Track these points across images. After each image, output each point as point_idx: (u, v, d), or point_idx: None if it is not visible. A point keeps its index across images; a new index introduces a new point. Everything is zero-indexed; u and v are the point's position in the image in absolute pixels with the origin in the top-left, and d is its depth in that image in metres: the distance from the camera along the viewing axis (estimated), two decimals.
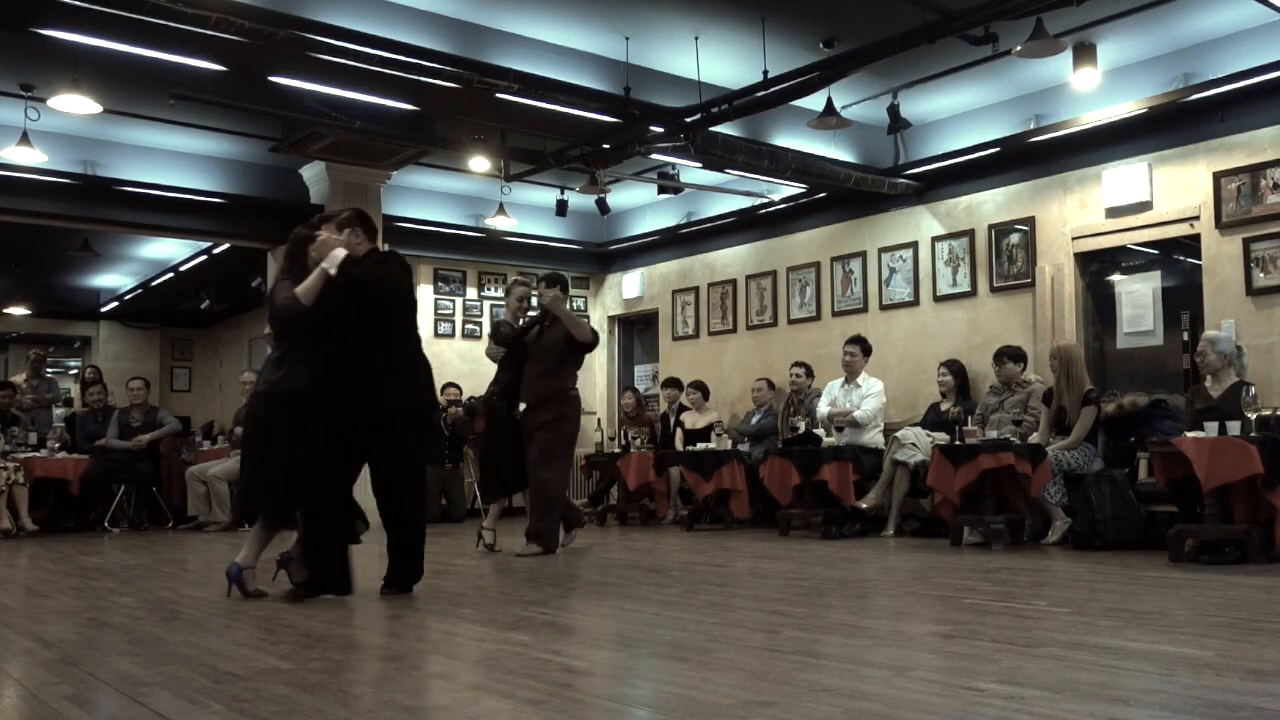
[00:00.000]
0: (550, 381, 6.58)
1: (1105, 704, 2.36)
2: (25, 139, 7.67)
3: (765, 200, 9.83)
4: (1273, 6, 6.10)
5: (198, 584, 5.37)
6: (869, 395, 8.18)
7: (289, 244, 4.90)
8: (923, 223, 8.90)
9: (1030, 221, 8.16)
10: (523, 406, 6.64)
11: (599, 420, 11.38)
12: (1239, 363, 6.18)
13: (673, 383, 10.37)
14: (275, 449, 4.43)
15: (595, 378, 11.96)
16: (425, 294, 11.19)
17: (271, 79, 6.75)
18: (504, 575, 5.55)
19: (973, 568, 5.46)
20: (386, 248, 5.91)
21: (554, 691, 2.63)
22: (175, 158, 9.18)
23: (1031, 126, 7.96)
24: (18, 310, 14.59)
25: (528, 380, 6.66)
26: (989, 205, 8.46)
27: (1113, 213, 7.68)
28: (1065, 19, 6.26)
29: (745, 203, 10.02)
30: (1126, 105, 7.34)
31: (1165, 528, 5.95)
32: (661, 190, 9.83)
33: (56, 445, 9.34)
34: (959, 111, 8.44)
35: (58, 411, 11.18)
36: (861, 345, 8.43)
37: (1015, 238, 8.24)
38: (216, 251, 11.07)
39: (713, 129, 7.63)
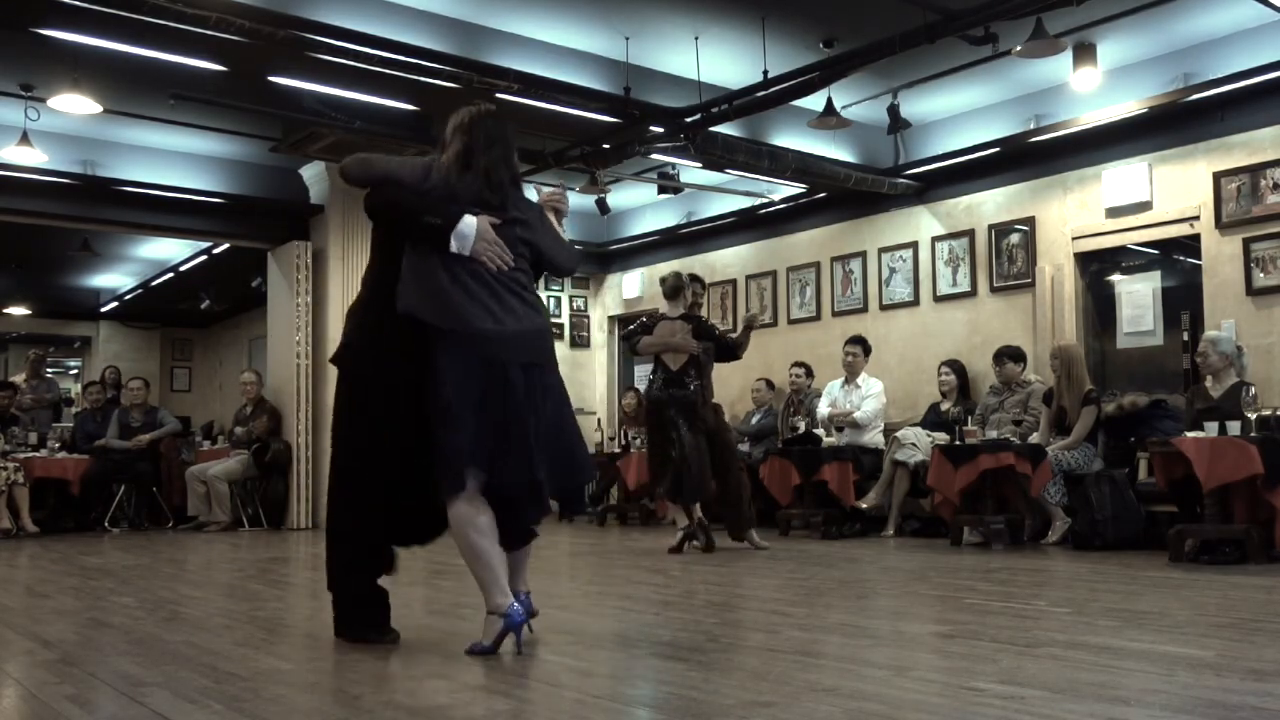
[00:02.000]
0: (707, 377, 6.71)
1: (1105, 704, 2.36)
2: (25, 139, 7.67)
3: (765, 200, 9.83)
4: (1273, 6, 6.10)
5: (198, 584, 5.37)
6: (869, 396, 8.18)
7: (494, 125, 3.39)
8: (923, 223, 8.90)
9: (1030, 221, 8.15)
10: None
11: (599, 420, 11.38)
12: (1239, 363, 6.18)
13: None
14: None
15: (595, 378, 11.97)
16: None
17: (271, 79, 6.75)
18: None
19: (973, 568, 5.45)
20: None
21: (554, 691, 2.63)
22: (175, 158, 9.18)
23: (1031, 126, 7.96)
24: (18, 310, 14.58)
25: (709, 381, 6.72)
26: (989, 205, 8.46)
27: (1113, 213, 7.68)
28: (1065, 19, 6.26)
29: (745, 203, 10.02)
30: (1126, 105, 7.34)
31: (1165, 528, 5.95)
32: (661, 190, 9.83)
33: (56, 445, 9.33)
34: (959, 111, 8.43)
35: (71, 410, 11.19)
36: (863, 345, 8.43)
37: (1015, 238, 8.24)
38: (216, 251, 11.07)
39: (713, 129, 7.63)
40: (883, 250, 9.16)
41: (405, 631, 3.73)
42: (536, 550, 7.03)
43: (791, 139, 8.42)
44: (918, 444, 7.59)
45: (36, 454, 9.13)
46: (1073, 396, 6.87)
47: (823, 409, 8.36)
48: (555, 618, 3.96)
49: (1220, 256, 7.10)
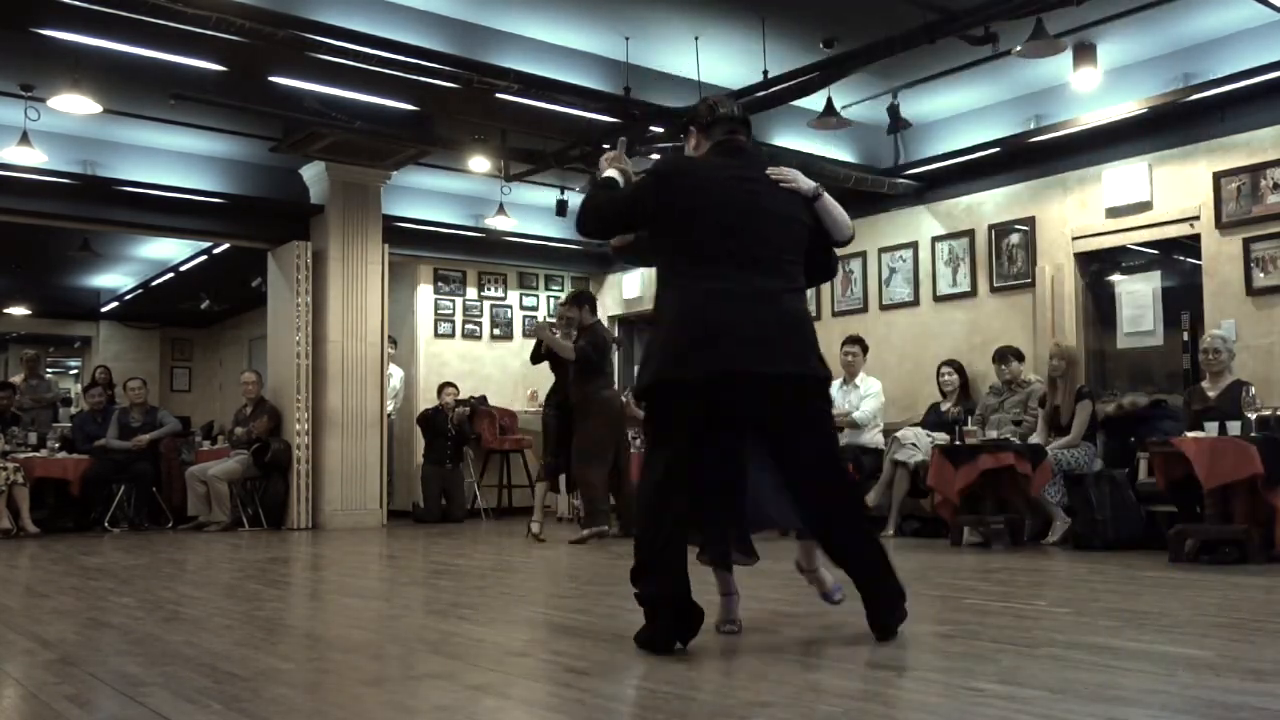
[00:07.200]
0: (577, 388, 7.35)
1: (1105, 704, 2.36)
2: (25, 139, 7.66)
3: None
4: (1272, 6, 6.10)
5: (198, 584, 5.37)
6: (867, 396, 8.17)
7: None
8: (923, 223, 8.90)
9: (1030, 221, 8.16)
10: None
11: None
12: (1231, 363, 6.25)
13: None
14: None
15: None
16: (425, 294, 11.21)
17: (271, 79, 6.76)
18: (504, 575, 5.55)
19: (973, 568, 5.45)
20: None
21: (554, 691, 2.63)
22: (175, 158, 9.17)
23: (1031, 126, 7.96)
24: (18, 310, 14.58)
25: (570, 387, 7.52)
26: (989, 205, 8.46)
27: (1113, 213, 7.68)
28: (1065, 19, 6.26)
29: None
30: (1126, 105, 7.34)
31: (1165, 528, 5.95)
32: None
33: (56, 445, 9.33)
34: (959, 111, 8.43)
35: (69, 410, 11.17)
36: (861, 345, 8.42)
37: (1015, 238, 8.24)
38: (216, 251, 11.07)
39: None
40: (883, 250, 9.16)
41: (405, 631, 3.73)
42: (536, 550, 7.05)
43: (791, 139, 8.42)
44: (917, 444, 7.58)
45: (36, 454, 9.13)
46: (1067, 395, 6.88)
47: None
48: (555, 617, 3.96)
49: (1220, 256, 7.10)
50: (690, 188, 3.20)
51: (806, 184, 3.31)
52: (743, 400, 3.12)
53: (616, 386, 11.87)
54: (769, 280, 3.15)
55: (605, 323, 12.00)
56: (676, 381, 3.09)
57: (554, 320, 7.96)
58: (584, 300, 7.63)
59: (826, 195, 3.35)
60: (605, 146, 3.63)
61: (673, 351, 3.11)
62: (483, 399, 10.94)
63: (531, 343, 8.02)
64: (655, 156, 8.46)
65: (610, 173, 3.36)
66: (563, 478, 8.46)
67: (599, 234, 3.49)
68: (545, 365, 7.70)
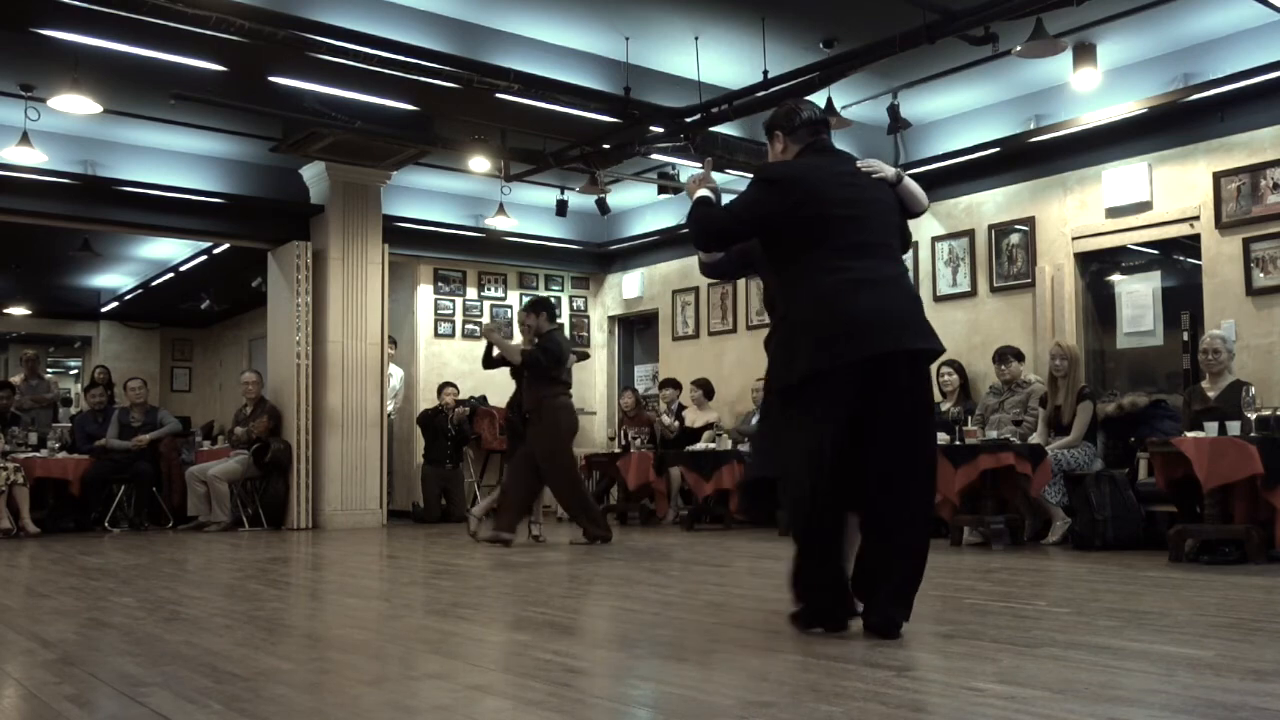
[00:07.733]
0: (529, 393, 7.28)
1: (1105, 704, 2.36)
2: (25, 139, 7.67)
3: None
4: (1272, 7, 6.10)
5: (198, 584, 5.37)
6: None
7: None
8: (923, 223, 8.88)
9: (1030, 221, 8.16)
10: None
11: (599, 420, 11.39)
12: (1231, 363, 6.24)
13: (670, 383, 10.35)
14: None
15: (595, 378, 11.98)
16: (425, 294, 11.21)
17: (271, 79, 6.76)
18: (504, 575, 5.55)
19: (973, 568, 5.45)
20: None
21: (554, 691, 2.63)
22: (175, 158, 9.18)
23: (1031, 126, 7.96)
24: (18, 310, 14.58)
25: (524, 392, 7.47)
26: (989, 205, 8.46)
27: (1113, 213, 7.68)
28: (1065, 19, 6.26)
29: None
30: (1126, 105, 7.34)
31: (1165, 528, 5.95)
32: (661, 190, 9.83)
33: (56, 445, 9.33)
34: (959, 111, 8.44)
35: (69, 410, 11.16)
36: None
37: (1015, 238, 8.24)
38: (216, 251, 11.07)
39: (713, 129, 7.63)
40: None
41: (405, 631, 3.73)
42: (534, 550, 7.05)
43: None
44: None
45: (36, 454, 9.13)
46: (1069, 395, 6.88)
47: None
48: (555, 617, 3.96)
49: (1220, 256, 7.10)
50: (808, 189, 3.38)
51: (890, 170, 3.55)
52: (886, 380, 3.26)
53: (618, 387, 11.93)
54: (889, 265, 3.41)
55: (605, 323, 12.06)
56: (833, 370, 3.22)
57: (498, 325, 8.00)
58: (541, 307, 7.44)
59: (906, 177, 3.60)
60: (693, 170, 4.01)
61: (824, 341, 3.25)
62: (483, 399, 10.94)
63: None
64: (656, 157, 8.49)
65: (702, 192, 3.54)
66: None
67: (712, 245, 3.74)
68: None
